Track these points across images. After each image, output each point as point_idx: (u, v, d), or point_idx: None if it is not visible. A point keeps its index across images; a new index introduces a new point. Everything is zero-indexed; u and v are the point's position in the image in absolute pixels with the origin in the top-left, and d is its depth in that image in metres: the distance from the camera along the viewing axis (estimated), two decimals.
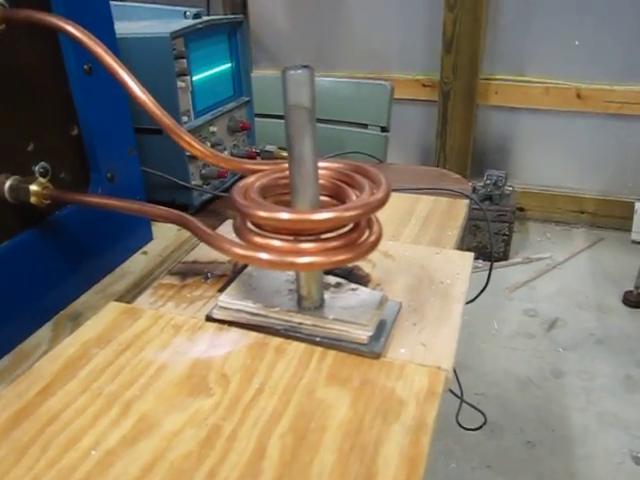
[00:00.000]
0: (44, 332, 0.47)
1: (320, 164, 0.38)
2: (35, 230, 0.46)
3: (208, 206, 0.74)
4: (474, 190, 1.99)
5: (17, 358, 0.44)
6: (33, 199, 0.43)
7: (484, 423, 0.83)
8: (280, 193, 0.38)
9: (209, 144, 0.73)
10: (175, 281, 0.46)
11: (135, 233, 0.60)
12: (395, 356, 0.37)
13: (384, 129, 1.01)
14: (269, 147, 0.81)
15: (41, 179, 0.43)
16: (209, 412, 0.33)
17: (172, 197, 0.71)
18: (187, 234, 0.64)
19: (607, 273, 1.90)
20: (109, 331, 0.40)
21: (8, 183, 0.43)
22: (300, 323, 0.38)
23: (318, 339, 0.38)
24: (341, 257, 0.33)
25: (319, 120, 1.08)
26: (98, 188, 0.53)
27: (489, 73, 2.07)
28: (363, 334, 0.37)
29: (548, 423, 1.33)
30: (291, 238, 0.33)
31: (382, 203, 0.34)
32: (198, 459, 0.30)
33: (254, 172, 0.38)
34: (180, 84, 0.66)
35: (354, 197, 0.36)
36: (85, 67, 0.50)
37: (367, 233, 0.35)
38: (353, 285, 0.41)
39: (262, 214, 0.32)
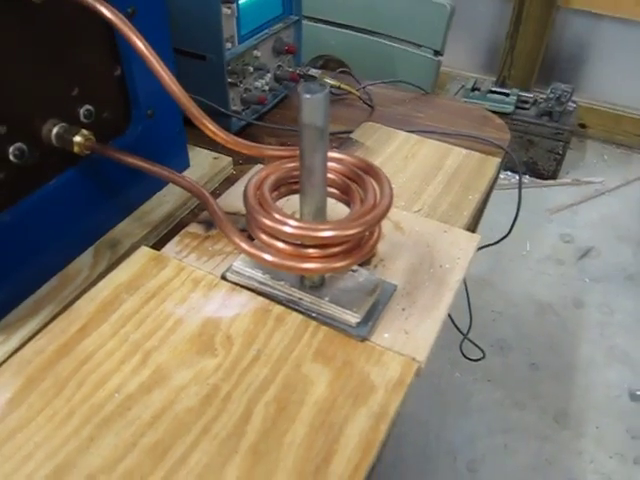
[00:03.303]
0: (86, 258, 0.54)
1: (332, 155, 0.41)
2: (77, 168, 0.51)
3: (247, 130, 0.77)
4: (535, 102, 1.90)
5: (63, 280, 0.52)
6: (76, 149, 0.47)
7: (482, 358, 0.89)
8: (293, 182, 0.41)
9: (252, 69, 0.73)
10: (200, 230, 0.51)
11: (172, 161, 0.63)
12: (378, 340, 0.42)
13: (437, 53, 0.97)
14: (313, 71, 0.81)
15: (84, 131, 0.47)
16: (211, 372, 0.39)
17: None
18: (222, 164, 0.68)
19: None
20: (138, 277, 0.46)
21: (55, 130, 0.47)
22: (300, 299, 0.43)
23: (314, 315, 0.43)
24: (341, 263, 0.37)
25: (371, 32, 1.05)
26: (138, 125, 0.57)
27: None
28: (352, 319, 0.42)
29: (557, 349, 1.40)
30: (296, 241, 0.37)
31: (382, 217, 0.36)
32: (197, 414, 0.37)
33: (274, 158, 0.41)
34: (225, 11, 0.66)
35: (358, 201, 0.38)
36: (128, 10, 0.51)
37: (367, 235, 0.39)
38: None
39: (267, 223, 0.35)
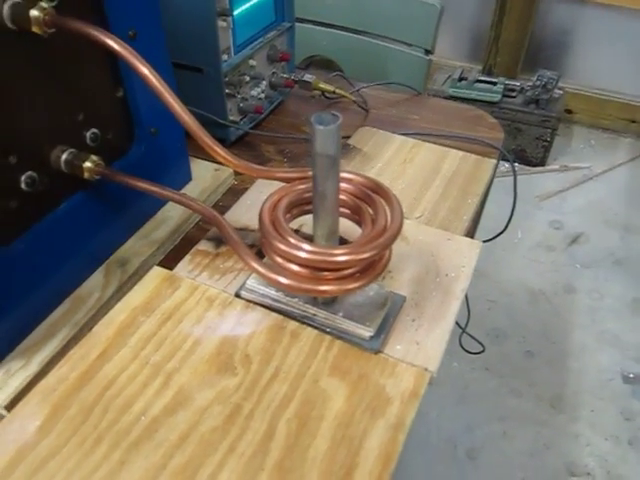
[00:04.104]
0: (97, 278, 0.54)
1: (342, 175, 0.42)
2: (85, 191, 0.52)
3: (245, 138, 0.78)
4: (521, 90, 1.91)
5: (75, 303, 0.52)
6: (86, 174, 0.48)
7: (482, 351, 0.92)
8: (305, 203, 0.42)
9: (248, 78, 0.74)
10: (210, 248, 0.52)
11: (174, 176, 0.64)
12: (391, 352, 0.43)
13: (428, 52, 0.98)
14: (307, 77, 0.81)
15: (93, 157, 0.48)
16: (233, 391, 0.41)
17: (210, 131, 0.74)
18: (224, 175, 0.69)
19: None
20: (153, 299, 0.47)
21: (64, 157, 0.48)
22: (314, 314, 0.44)
23: (328, 330, 0.44)
24: (355, 284, 0.38)
25: (361, 32, 1.05)
26: (142, 144, 0.57)
27: None
28: (366, 333, 0.43)
29: (550, 336, 1.43)
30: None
31: (394, 240, 0.38)
32: (222, 434, 0.38)
33: (284, 180, 0.42)
34: (221, 24, 0.66)
35: (370, 222, 0.40)
36: (130, 33, 0.51)
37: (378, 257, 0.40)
38: None
39: (282, 247, 0.36)
